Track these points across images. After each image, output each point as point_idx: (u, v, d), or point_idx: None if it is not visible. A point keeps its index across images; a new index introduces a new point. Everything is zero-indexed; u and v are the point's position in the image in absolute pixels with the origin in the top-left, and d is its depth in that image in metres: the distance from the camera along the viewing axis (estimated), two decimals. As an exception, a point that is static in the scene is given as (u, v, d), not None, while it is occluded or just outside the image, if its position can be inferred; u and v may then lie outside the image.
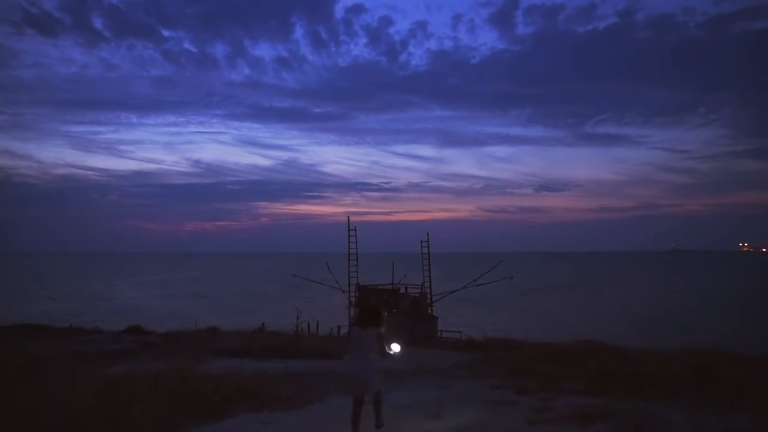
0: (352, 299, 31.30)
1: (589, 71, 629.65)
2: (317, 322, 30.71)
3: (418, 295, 31.95)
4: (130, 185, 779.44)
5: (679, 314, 52.08)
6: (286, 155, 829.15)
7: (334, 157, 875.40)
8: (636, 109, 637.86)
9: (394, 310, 29.81)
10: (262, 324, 23.93)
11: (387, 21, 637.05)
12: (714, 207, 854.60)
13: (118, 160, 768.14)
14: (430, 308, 31.93)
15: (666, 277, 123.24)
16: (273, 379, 9.87)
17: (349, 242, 32.42)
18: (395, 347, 6.41)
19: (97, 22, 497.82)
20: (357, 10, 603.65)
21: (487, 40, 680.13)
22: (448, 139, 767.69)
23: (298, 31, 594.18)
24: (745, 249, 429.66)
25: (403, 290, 32.36)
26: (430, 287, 32.75)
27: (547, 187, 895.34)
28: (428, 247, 33.50)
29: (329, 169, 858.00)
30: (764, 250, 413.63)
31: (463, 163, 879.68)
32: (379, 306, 6.77)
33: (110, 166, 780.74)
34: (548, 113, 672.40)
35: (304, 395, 8.89)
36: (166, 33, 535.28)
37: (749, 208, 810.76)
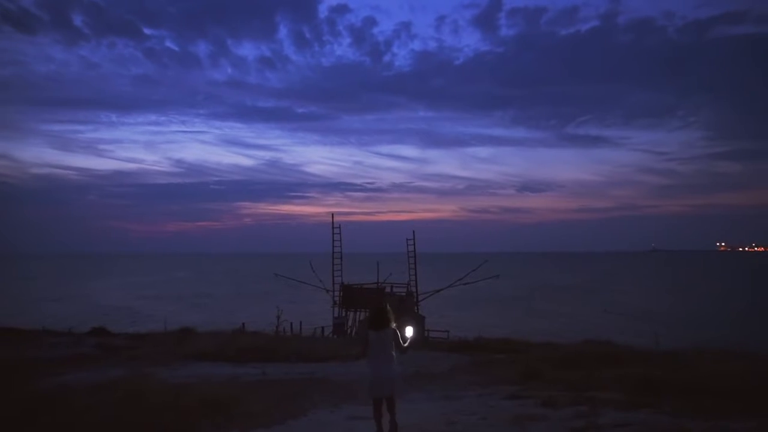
0: (336, 298, 30.57)
1: (571, 73, 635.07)
2: (300, 322, 29.72)
3: (404, 294, 31.19)
4: (111, 185, 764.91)
5: (661, 312, 51.91)
6: (269, 155, 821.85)
7: (318, 157, 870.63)
8: (617, 111, 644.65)
9: None
10: (243, 324, 22.82)
11: (371, 21, 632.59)
12: (692, 208, 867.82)
13: (98, 159, 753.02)
14: (416, 307, 31.14)
15: (647, 276, 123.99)
16: (247, 388, 8.43)
17: (333, 241, 31.67)
18: (409, 331, 6.41)
19: (77, 20, 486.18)
20: (341, 10, 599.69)
21: (470, 42, 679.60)
22: (432, 139, 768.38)
23: (282, 31, 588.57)
24: (722, 248, 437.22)
25: (388, 289, 31.41)
26: (416, 285, 32.04)
27: (530, 187, 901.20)
28: (414, 245, 32.78)
29: (313, 169, 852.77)
30: (740, 249, 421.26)
31: (446, 163, 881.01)
32: (386, 305, 6.70)
33: (90, 165, 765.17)
34: (531, 114, 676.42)
35: (283, 408, 7.42)
36: (147, 31, 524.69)
37: (726, 208, 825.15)
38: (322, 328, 30.07)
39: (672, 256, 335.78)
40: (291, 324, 27.80)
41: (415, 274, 31.99)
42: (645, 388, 7.11)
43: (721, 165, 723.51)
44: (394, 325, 6.19)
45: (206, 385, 8.04)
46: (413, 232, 33.08)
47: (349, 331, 29.93)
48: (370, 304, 31.29)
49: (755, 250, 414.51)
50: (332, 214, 32.80)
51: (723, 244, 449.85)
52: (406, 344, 6.24)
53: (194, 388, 7.36)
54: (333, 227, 32.03)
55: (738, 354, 9.36)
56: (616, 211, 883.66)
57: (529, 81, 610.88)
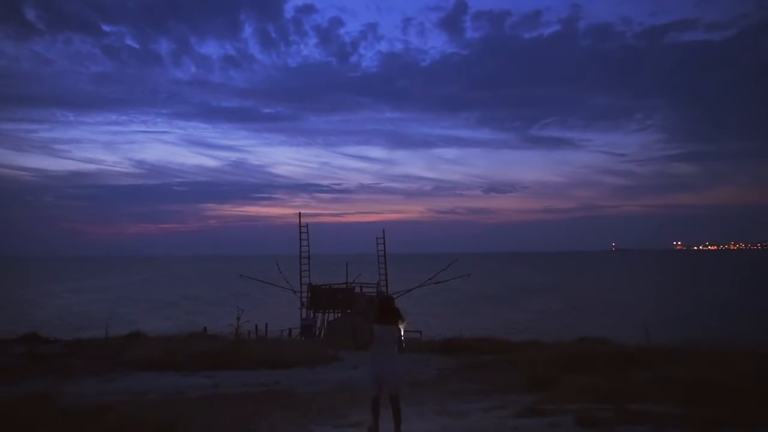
0: (304, 300, 29.32)
1: (534, 76, 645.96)
2: (266, 324, 28.17)
3: (374, 294, 30.17)
4: (68, 186, 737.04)
5: (626, 309, 52.17)
6: (234, 156, 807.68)
7: (284, 158, 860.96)
8: (578, 114, 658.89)
9: (349, 311, 27.88)
10: (204, 329, 21.20)
11: (337, 22, 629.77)
12: (650, 208, 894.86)
13: (53, 160, 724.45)
14: None
15: (608, 274, 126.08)
16: (191, 407, 6.67)
17: (300, 240, 30.38)
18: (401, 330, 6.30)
19: (30, 14, 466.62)
20: (307, 10, 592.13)
21: (436, 44, 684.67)
22: (399, 140, 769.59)
23: (247, 30, 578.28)
24: (678, 247, 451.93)
25: (358, 289, 30.16)
26: (386, 285, 31.02)
27: (496, 188, 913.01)
28: (384, 243, 31.75)
29: (279, 170, 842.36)
30: (695, 248, 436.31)
31: (413, 164, 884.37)
32: (393, 302, 6.49)
33: (45, 166, 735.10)
34: (495, 116, 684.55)
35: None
36: (106, 28, 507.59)
37: (681, 209, 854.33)
38: (290, 330, 28.81)
39: (631, 255, 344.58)
40: (256, 326, 26.31)
41: (386, 274, 31.05)
42: (701, 396, 5.61)
43: (676, 166, 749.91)
44: (401, 323, 6.08)
45: (136, 405, 6.32)
46: (383, 230, 32.05)
47: (317, 333, 28.59)
48: (339, 305, 30.26)
49: (708, 249, 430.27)
50: (299, 213, 31.54)
51: (679, 242, 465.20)
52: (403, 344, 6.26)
53: (115, 411, 5.55)
54: (300, 226, 30.75)
55: (741, 351, 8.25)
56: (579, 212, 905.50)
57: (493, 83, 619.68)
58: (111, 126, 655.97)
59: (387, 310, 6.01)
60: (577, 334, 21.67)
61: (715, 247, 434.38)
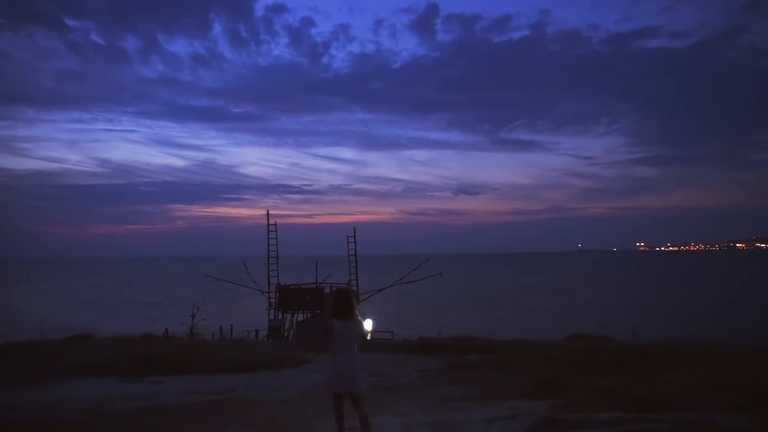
0: (272, 300, 28.34)
1: (504, 80, 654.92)
2: (231, 325, 27.06)
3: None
4: (29, 185, 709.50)
5: (600, 308, 52.48)
6: (202, 156, 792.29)
7: (254, 158, 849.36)
8: (547, 117, 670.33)
9: (318, 311, 27.06)
10: (166, 330, 19.97)
11: (309, 22, 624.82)
12: (615, 210, 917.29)
13: (14, 158, 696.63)
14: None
15: (576, 275, 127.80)
16: (119, 424, 5.40)
17: (268, 239, 29.53)
18: (367, 324, 4.08)
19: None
20: (278, 9, 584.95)
21: (408, 46, 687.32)
22: (370, 142, 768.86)
23: (217, 28, 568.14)
24: (642, 248, 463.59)
25: (328, 289, 29.41)
26: (357, 284, 30.38)
27: (466, 190, 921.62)
28: (354, 242, 31.16)
29: (248, 170, 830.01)
30: (657, 249, 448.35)
31: (384, 166, 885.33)
32: (350, 294, 5.93)
33: (5, 164, 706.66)
34: (466, 119, 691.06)
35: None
36: (70, 23, 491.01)
37: (645, 211, 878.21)
38: (256, 331, 27.88)
39: (597, 255, 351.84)
40: (221, 328, 25.13)
41: (356, 273, 30.49)
42: (764, 402, 4.48)
43: (640, 170, 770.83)
44: (358, 314, 5.52)
45: (50, 423, 5.08)
46: (354, 229, 31.58)
47: (286, 334, 27.62)
48: (309, 306, 29.37)
49: (670, 249, 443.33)
50: (267, 210, 30.82)
51: (642, 243, 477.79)
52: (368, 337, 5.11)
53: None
54: (268, 224, 29.86)
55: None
56: (547, 213, 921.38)
57: (464, 86, 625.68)
58: (75, 124, 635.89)
59: (343, 303, 5.53)
60: (557, 332, 21.06)
61: (677, 247, 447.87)
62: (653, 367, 6.13)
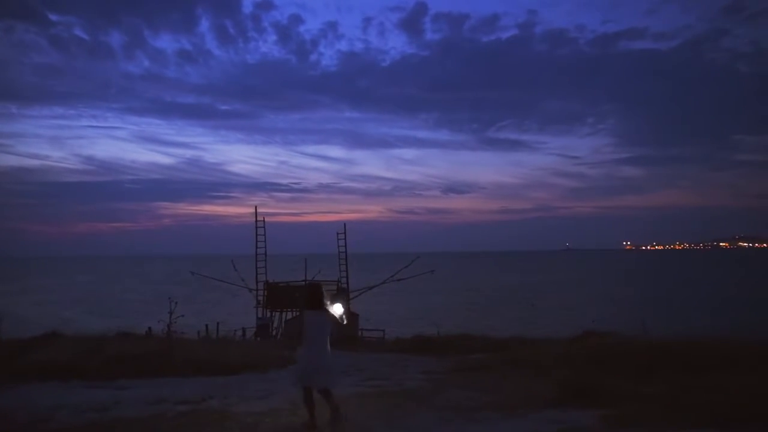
0: (260, 298, 27.42)
1: (492, 79, 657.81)
2: (217, 324, 26.14)
3: (335, 290, 28.67)
4: (10, 182, 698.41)
5: (593, 307, 52.07)
6: (189, 153, 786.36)
7: (241, 156, 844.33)
8: (534, 117, 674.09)
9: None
10: (149, 329, 18.91)
11: (297, 19, 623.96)
12: (601, 209, 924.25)
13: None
14: (348, 305, 28.65)
15: (566, 273, 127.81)
16: None
17: (256, 234, 28.49)
18: (338, 308, 7.02)
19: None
20: (266, 6, 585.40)
21: (396, 44, 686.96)
22: (358, 140, 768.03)
23: (204, 24, 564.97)
24: (628, 247, 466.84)
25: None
26: (347, 281, 29.50)
27: (454, 189, 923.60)
28: (345, 238, 30.25)
29: (236, 168, 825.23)
30: (643, 247, 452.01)
31: (372, 164, 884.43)
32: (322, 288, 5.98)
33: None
34: (454, 118, 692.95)
35: None
36: (53, 17, 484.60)
37: (630, 210, 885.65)
38: (243, 330, 26.82)
39: (584, 254, 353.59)
40: (206, 326, 24.21)
41: (347, 269, 29.58)
42: None
43: (624, 170, 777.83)
44: (328, 305, 5.79)
45: None
46: (344, 224, 30.46)
47: (274, 333, 26.69)
48: (298, 304, 28.45)
49: (655, 248, 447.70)
50: (255, 206, 29.76)
51: (628, 243, 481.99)
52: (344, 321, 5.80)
53: None
54: (256, 220, 28.85)
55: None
56: (534, 212, 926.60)
57: (452, 85, 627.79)
58: (57, 120, 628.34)
59: (315, 294, 5.72)
60: (557, 330, 20.28)
61: (662, 247, 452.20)
62: (696, 368, 5.29)
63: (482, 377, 6.99)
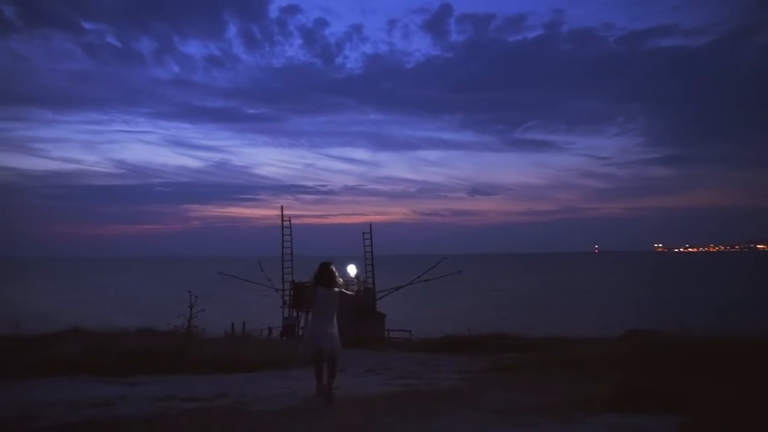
0: (286, 298, 27.19)
1: (518, 80, 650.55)
2: (243, 323, 26.10)
3: (361, 290, 28.30)
4: (46, 186, 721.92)
5: (622, 309, 50.58)
6: (217, 156, 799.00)
7: (268, 158, 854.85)
8: (561, 117, 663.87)
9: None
10: (175, 326, 18.76)
11: (322, 23, 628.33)
12: (630, 210, 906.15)
13: (31, 159, 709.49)
14: (375, 305, 28.40)
15: (593, 275, 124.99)
16: None
17: (282, 235, 28.51)
18: (351, 269, 6.36)
19: (8, 11, 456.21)
20: (291, 10, 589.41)
21: (421, 46, 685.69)
22: (382, 142, 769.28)
23: (231, 30, 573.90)
24: (659, 249, 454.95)
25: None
26: (374, 281, 29.22)
27: (479, 190, 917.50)
28: (371, 238, 30.02)
29: (263, 171, 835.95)
30: (675, 250, 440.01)
31: (396, 166, 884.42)
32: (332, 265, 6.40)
33: (23, 165, 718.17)
34: (478, 119, 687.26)
35: None
36: (86, 25, 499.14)
37: (660, 211, 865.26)
38: (269, 329, 26.68)
39: (613, 256, 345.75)
40: (232, 325, 24.09)
41: (372, 269, 29.32)
42: None
43: (654, 170, 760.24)
44: (339, 284, 6.14)
45: None
46: (370, 225, 30.08)
47: (300, 332, 26.42)
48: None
49: (689, 251, 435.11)
50: (281, 206, 29.82)
51: (660, 245, 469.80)
52: (352, 290, 6.32)
53: None
54: (282, 219, 28.80)
55: None
56: (560, 214, 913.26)
57: (477, 86, 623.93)
58: (90, 125, 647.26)
59: (328, 273, 6.13)
60: (593, 330, 19.32)
61: (696, 249, 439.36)
62: (757, 369, 4.57)
63: (522, 377, 6.36)
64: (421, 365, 8.05)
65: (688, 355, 5.21)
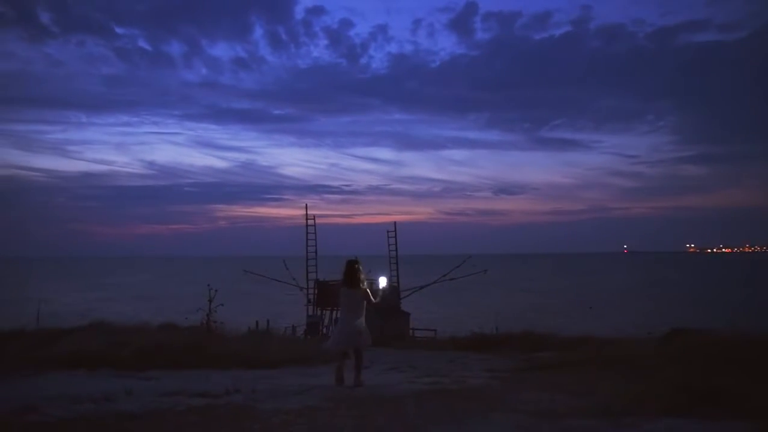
0: (310, 296, 26.90)
1: (544, 77, 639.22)
2: (267, 320, 26.07)
3: (387, 288, 28.02)
4: (79, 187, 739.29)
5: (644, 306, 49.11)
6: (243, 157, 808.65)
7: (293, 159, 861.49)
8: (588, 115, 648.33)
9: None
10: (203, 321, 18.74)
11: (347, 23, 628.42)
12: (660, 210, 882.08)
13: (65, 160, 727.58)
14: (400, 303, 28.00)
15: (622, 275, 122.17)
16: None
17: (307, 233, 28.27)
18: (382, 281, 3.44)
19: (44, 17, 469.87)
20: (317, 11, 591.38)
21: (446, 45, 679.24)
22: (407, 142, 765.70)
23: (257, 31, 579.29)
24: (691, 250, 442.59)
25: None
26: (398, 279, 28.82)
27: (506, 190, 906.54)
28: (395, 237, 29.64)
29: (288, 171, 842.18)
30: (709, 250, 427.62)
31: (421, 166, 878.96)
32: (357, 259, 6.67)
33: (57, 167, 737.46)
34: (504, 118, 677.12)
35: None
36: (119, 30, 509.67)
37: (693, 211, 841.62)
38: (293, 327, 26.51)
39: (643, 257, 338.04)
40: (257, 322, 24.01)
41: (397, 267, 28.94)
42: None
43: (686, 168, 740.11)
44: (365, 284, 6.42)
45: None
46: (394, 223, 29.46)
47: (324, 331, 26.24)
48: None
49: (722, 251, 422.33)
50: (306, 204, 29.47)
51: (692, 245, 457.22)
52: (377, 299, 6.59)
53: None
54: (306, 217, 28.56)
55: None
56: (587, 213, 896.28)
57: (503, 84, 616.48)
58: (122, 127, 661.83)
59: (351, 272, 6.39)
60: (621, 332, 18.53)
61: (730, 249, 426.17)
62: None
63: (560, 376, 5.83)
64: (448, 363, 7.55)
65: (748, 356, 4.61)
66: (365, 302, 6.28)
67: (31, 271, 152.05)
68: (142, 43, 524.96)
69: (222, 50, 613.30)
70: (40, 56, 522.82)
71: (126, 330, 9.66)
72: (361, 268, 6.39)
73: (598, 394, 4.55)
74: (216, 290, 10.22)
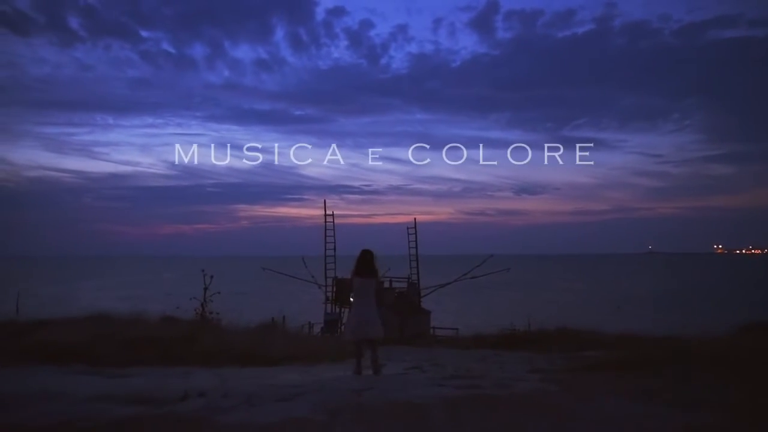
0: (329, 294, 26.35)
1: (567, 76, 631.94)
2: (283, 317, 25.24)
3: (404, 289, 27.19)
4: (106, 188, 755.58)
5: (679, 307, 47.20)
6: (265, 157, 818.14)
7: (314, 159, 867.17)
8: (612, 114, 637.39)
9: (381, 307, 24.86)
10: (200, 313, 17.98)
11: (368, 24, 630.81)
12: (686, 210, 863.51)
13: (93, 162, 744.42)
14: (420, 301, 27.34)
15: (648, 275, 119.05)
16: None
17: (326, 229, 27.46)
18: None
19: (73, 22, 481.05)
20: (338, 12, 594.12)
21: (467, 44, 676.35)
22: (428, 141, 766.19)
23: (279, 33, 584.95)
24: (719, 251, 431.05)
25: (387, 284, 27.25)
26: (418, 278, 28.13)
27: (527, 189, 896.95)
28: (415, 234, 28.91)
29: (309, 171, 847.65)
30: (737, 251, 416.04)
31: (442, 166, 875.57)
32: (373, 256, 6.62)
33: (85, 168, 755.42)
34: (526, 117, 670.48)
35: None
36: (144, 33, 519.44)
37: (720, 211, 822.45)
38: (310, 324, 25.71)
39: (669, 258, 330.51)
40: (272, 319, 23.22)
41: (417, 265, 28.07)
42: None
43: (713, 168, 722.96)
44: (378, 274, 6.54)
45: None
46: (414, 219, 28.80)
47: (342, 329, 25.41)
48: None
49: (752, 252, 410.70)
50: (324, 200, 28.05)
51: (720, 246, 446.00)
52: (381, 305, 6.44)
53: None
54: (325, 215, 27.57)
55: None
56: (611, 214, 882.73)
57: (524, 84, 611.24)
58: (147, 129, 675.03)
59: (365, 262, 6.41)
60: (658, 331, 17.18)
61: (759, 251, 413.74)
62: None
63: (631, 378, 4.47)
64: (480, 362, 6.32)
65: None
66: (375, 291, 6.33)
67: (61, 270, 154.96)
68: (166, 46, 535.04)
69: (244, 52, 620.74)
70: (70, 60, 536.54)
71: (120, 322, 8.67)
72: (376, 261, 6.40)
73: (701, 402, 3.25)
74: (212, 276, 9.23)
